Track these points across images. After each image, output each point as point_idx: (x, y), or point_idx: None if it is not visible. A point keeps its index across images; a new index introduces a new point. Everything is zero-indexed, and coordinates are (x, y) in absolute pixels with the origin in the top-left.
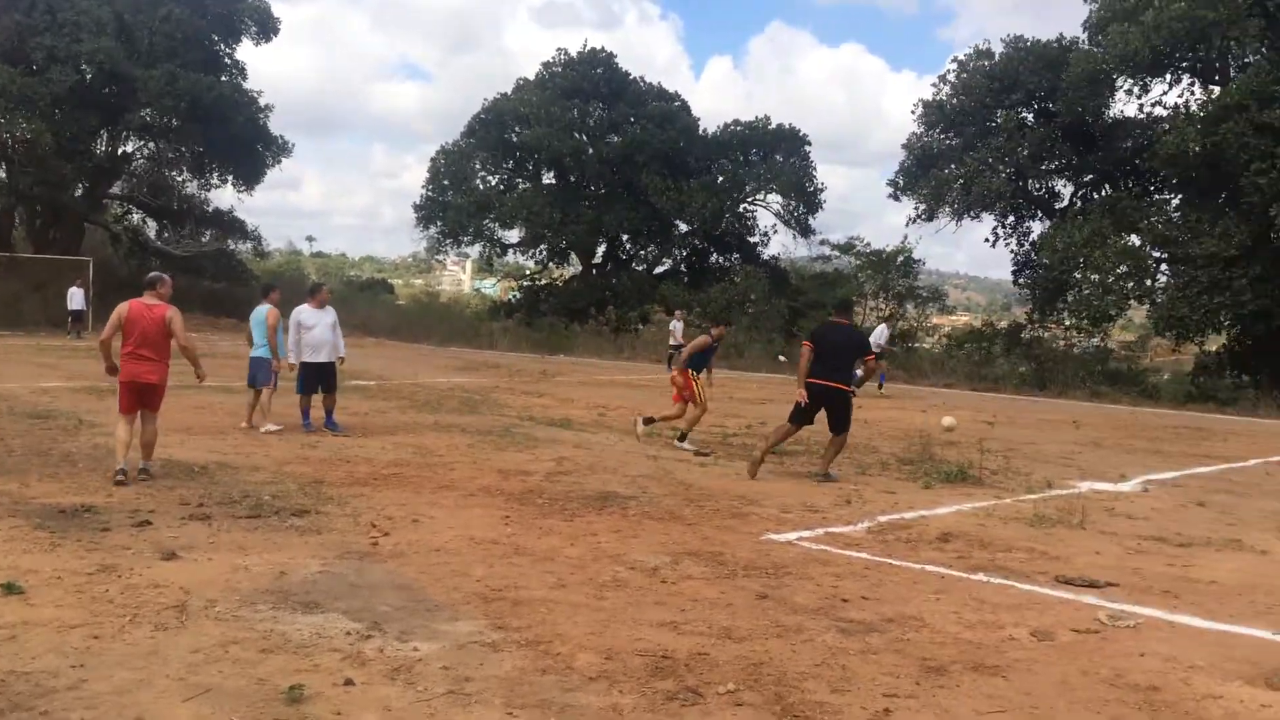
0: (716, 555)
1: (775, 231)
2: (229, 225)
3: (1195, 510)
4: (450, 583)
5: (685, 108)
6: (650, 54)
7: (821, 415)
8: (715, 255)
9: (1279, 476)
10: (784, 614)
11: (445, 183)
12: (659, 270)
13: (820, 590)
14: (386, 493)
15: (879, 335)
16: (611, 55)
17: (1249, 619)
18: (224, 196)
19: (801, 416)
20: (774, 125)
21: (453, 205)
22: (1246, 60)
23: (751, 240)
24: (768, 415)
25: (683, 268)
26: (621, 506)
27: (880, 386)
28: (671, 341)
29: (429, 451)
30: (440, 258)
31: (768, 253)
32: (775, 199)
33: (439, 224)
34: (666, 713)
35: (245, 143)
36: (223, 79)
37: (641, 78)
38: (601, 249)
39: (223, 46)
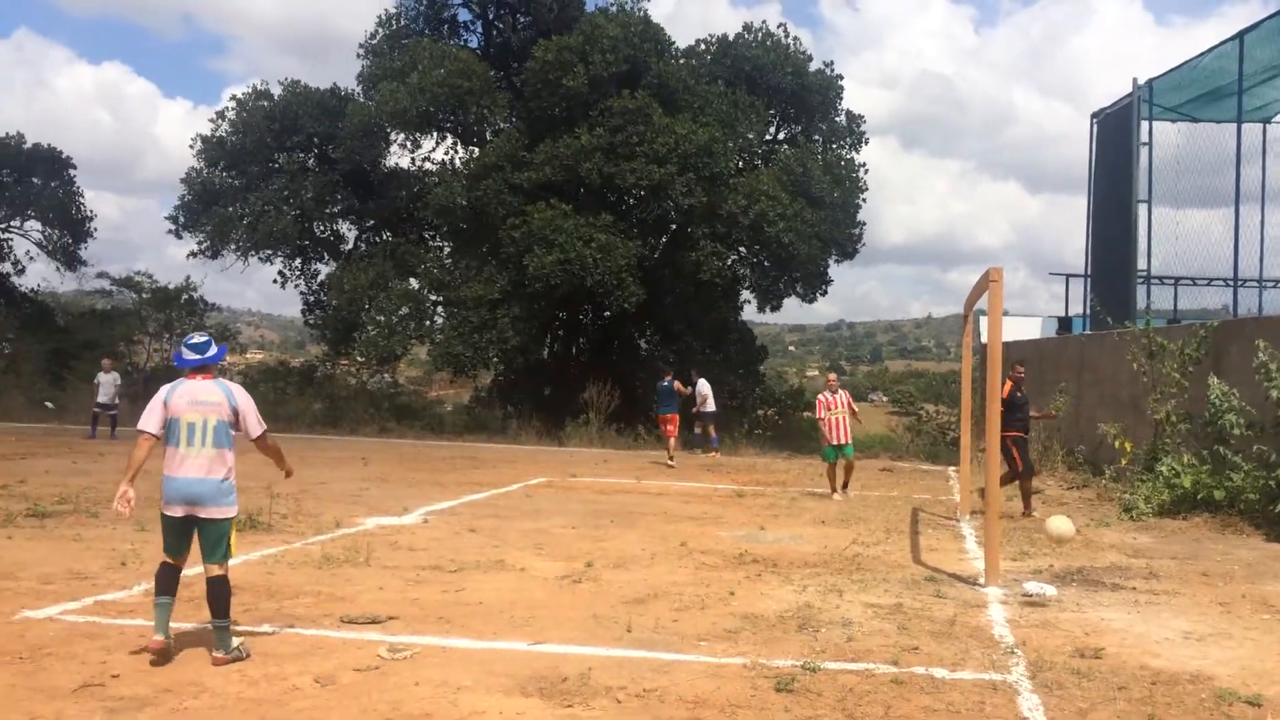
0: None
1: (33, 259)
2: None
3: (468, 536)
4: None
5: None
6: None
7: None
8: None
9: (536, 498)
10: (40, 702)
11: None
12: None
13: (87, 668)
14: None
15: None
16: None
17: (509, 633)
18: None
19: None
20: (30, 144)
21: None
22: (500, 127)
23: (3, 271)
24: (28, 472)
25: None
26: None
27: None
28: (106, 398)
29: None
30: None
31: (26, 285)
32: (34, 226)
33: None
34: None
35: None
36: None
37: None
38: None
39: None
